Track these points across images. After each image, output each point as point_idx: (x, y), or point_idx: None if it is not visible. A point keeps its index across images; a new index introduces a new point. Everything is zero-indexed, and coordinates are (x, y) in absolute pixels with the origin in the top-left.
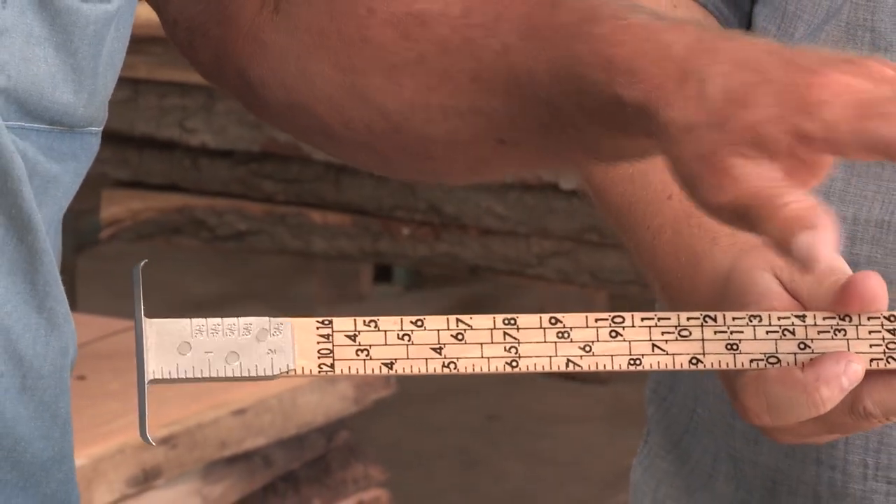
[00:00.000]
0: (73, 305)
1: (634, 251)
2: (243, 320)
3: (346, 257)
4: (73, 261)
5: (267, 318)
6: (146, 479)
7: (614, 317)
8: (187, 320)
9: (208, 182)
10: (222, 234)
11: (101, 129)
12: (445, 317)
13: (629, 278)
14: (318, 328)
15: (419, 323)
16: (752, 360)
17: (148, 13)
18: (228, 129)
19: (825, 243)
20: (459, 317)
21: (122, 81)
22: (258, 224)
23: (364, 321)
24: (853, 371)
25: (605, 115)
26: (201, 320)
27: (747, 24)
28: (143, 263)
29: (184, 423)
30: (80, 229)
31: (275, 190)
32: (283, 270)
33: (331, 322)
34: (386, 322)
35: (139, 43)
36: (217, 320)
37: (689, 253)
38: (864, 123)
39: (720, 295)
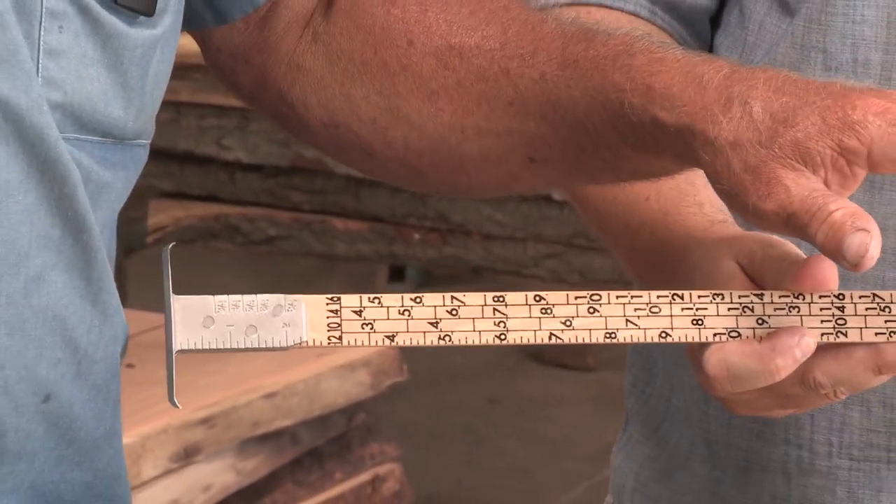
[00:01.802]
0: (123, 301)
1: (615, 249)
2: (261, 297)
3: (364, 259)
4: (124, 263)
5: (282, 295)
6: (187, 455)
7: (592, 294)
8: (211, 297)
9: (242, 193)
10: (255, 238)
11: (148, 141)
12: (441, 294)
13: (613, 277)
14: (327, 304)
15: (418, 300)
16: (715, 334)
17: (189, 43)
18: (260, 146)
19: (875, 242)
20: (454, 294)
21: (166, 104)
22: (287, 230)
23: (369, 298)
24: (806, 344)
25: (640, 136)
26: (223, 297)
27: (708, 51)
28: (171, 245)
29: (220, 405)
30: (129, 235)
31: (301, 200)
32: (308, 271)
33: (339, 299)
34: (388, 299)
35: (181, 69)
36: (237, 297)
37: (665, 247)
38: None
39: (690, 282)
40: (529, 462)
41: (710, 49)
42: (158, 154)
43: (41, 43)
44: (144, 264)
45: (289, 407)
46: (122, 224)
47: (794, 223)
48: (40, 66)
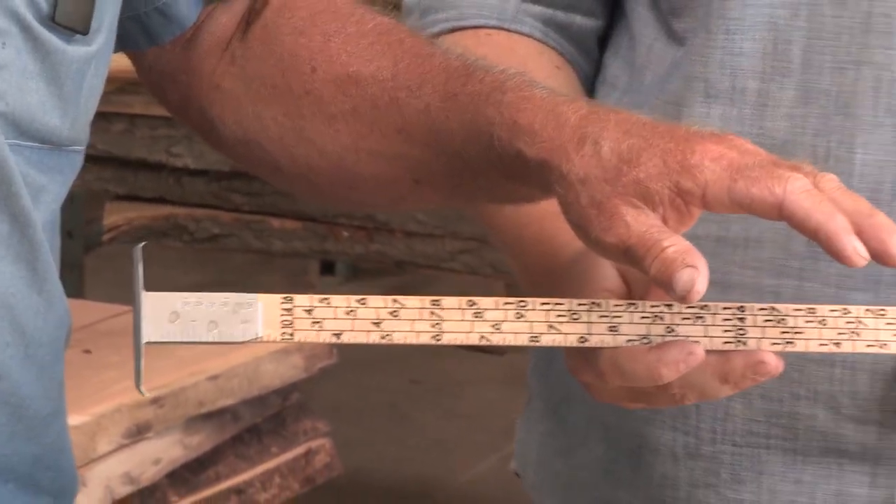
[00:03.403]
0: (82, 293)
1: (502, 244)
2: (222, 295)
3: (298, 255)
4: (82, 259)
5: (241, 294)
6: (139, 432)
7: (519, 301)
8: (177, 294)
9: (189, 196)
10: (200, 237)
11: (83, 148)
12: (383, 297)
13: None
14: (281, 303)
15: (362, 301)
16: (628, 340)
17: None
18: (206, 153)
19: (702, 278)
20: (395, 297)
21: (121, 116)
22: (229, 229)
23: (318, 298)
24: (693, 359)
25: (507, 166)
26: (188, 294)
27: (597, 71)
28: (142, 245)
29: (169, 387)
30: (87, 234)
31: (242, 202)
32: (248, 266)
33: (292, 299)
34: (336, 300)
35: (134, 85)
36: (201, 295)
37: (551, 244)
38: (735, 184)
39: (569, 278)
40: (446, 436)
41: (600, 68)
42: (114, 161)
43: None
44: (101, 260)
45: (230, 388)
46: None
47: (631, 255)
48: None
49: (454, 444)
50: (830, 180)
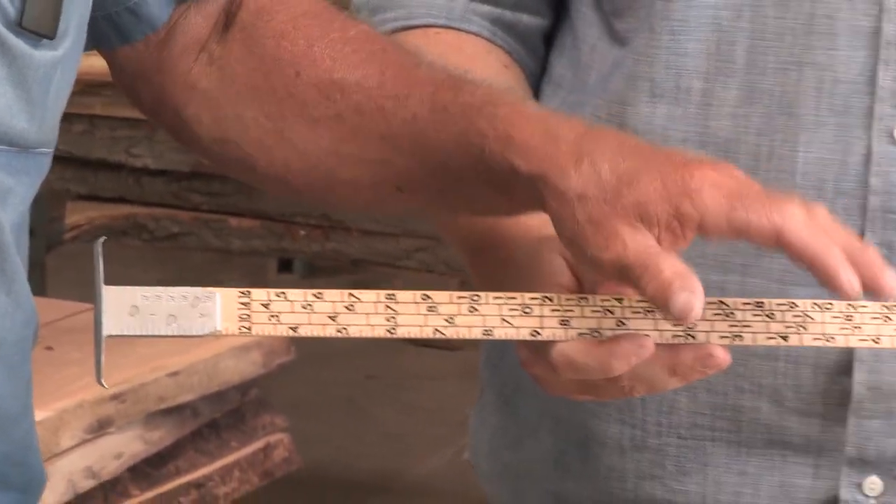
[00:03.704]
0: (44, 291)
1: (454, 239)
2: (181, 289)
3: (256, 253)
4: (44, 257)
5: (199, 288)
6: (100, 427)
7: (472, 295)
8: (137, 288)
9: (149, 195)
10: (159, 235)
11: (51, 150)
12: (339, 291)
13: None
14: (239, 297)
15: (319, 295)
16: (579, 334)
17: (101, 63)
18: (165, 154)
19: (698, 301)
20: (351, 291)
21: (81, 117)
22: (188, 227)
23: (275, 292)
24: (643, 353)
25: (496, 179)
26: (148, 288)
27: (543, 69)
28: (102, 240)
29: (130, 382)
30: (49, 233)
31: (201, 201)
32: (207, 264)
33: (249, 292)
34: (293, 294)
35: (95, 87)
36: (160, 289)
37: (503, 238)
38: (734, 212)
39: (521, 272)
40: (402, 430)
41: (545, 67)
42: (75, 161)
43: None
44: (62, 259)
45: (190, 384)
46: (43, 223)
47: (627, 274)
48: None
49: (411, 437)
50: (822, 213)
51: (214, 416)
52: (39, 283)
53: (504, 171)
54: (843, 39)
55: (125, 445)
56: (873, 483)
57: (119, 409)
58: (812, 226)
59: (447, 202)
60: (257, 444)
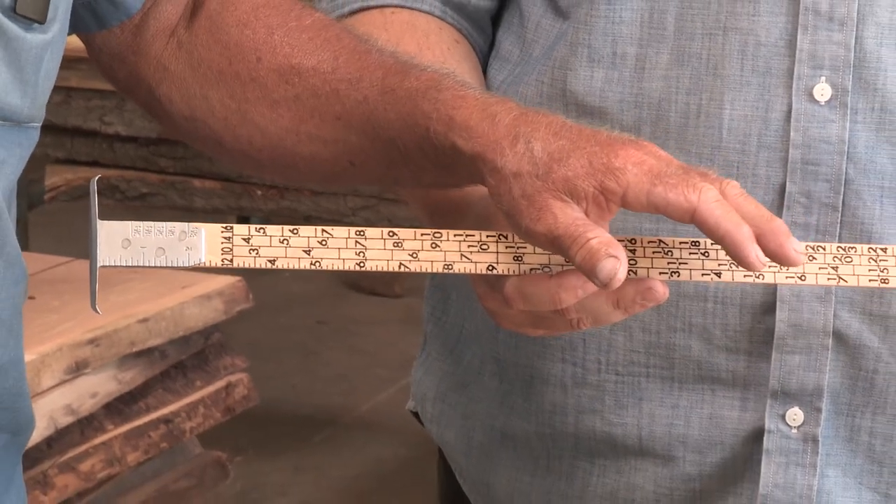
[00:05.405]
0: (26, 247)
1: (413, 201)
2: (169, 224)
3: (217, 212)
4: (26, 216)
5: (186, 224)
6: (78, 368)
7: (435, 232)
8: (129, 223)
9: (120, 159)
10: (130, 196)
11: (40, 124)
12: (314, 227)
13: (416, 225)
14: (222, 232)
15: (295, 231)
16: (531, 269)
17: (76, 41)
18: (134, 121)
19: (623, 267)
20: (324, 228)
21: (59, 88)
22: (156, 188)
23: (256, 228)
24: (589, 286)
25: (441, 157)
26: (139, 223)
27: (491, 45)
28: (98, 177)
29: (104, 328)
30: (30, 194)
31: (167, 164)
32: (173, 221)
33: (231, 228)
34: (271, 229)
35: (71, 62)
36: (150, 224)
37: (459, 189)
38: (654, 188)
39: (475, 218)
40: (349, 370)
41: (494, 44)
42: (53, 129)
43: None
44: (43, 216)
45: (158, 329)
46: (25, 185)
47: (558, 245)
48: None
49: (356, 377)
50: (734, 187)
51: (181, 358)
52: (22, 239)
53: (447, 150)
54: (764, 6)
55: (100, 385)
56: (795, 414)
57: (94, 352)
58: (724, 205)
59: (395, 177)
60: (219, 384)
